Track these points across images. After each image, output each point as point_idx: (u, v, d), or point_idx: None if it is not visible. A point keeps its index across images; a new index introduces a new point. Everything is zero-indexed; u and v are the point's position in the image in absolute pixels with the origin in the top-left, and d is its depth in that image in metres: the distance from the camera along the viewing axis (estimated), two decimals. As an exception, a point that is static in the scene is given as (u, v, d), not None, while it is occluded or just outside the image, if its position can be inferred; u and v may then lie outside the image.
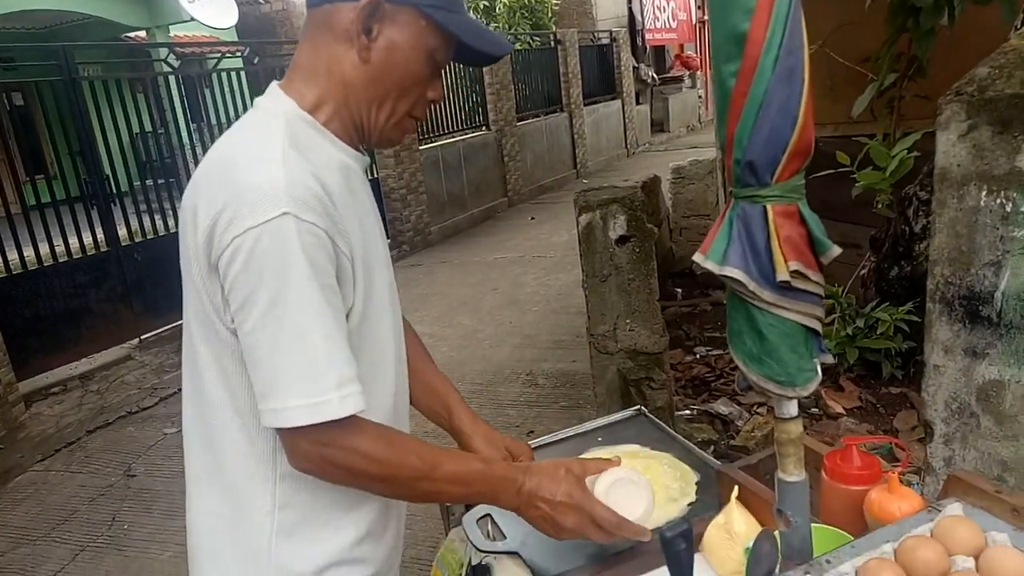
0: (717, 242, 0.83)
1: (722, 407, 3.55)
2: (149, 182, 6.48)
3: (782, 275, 0.78)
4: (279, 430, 0.92)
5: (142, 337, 6.00)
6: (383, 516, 1.10)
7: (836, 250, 0.79)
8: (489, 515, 1.43)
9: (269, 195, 0.87)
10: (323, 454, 0.91)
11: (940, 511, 0.92)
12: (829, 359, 0.87)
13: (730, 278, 0.81)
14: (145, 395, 5.07)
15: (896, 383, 3.52)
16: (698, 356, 4.25)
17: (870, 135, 3.38)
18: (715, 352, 4.25)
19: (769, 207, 0.79)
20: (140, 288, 6.00)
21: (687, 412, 3.57)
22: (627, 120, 15.02)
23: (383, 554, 1.12)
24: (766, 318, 0.81)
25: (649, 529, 1.10)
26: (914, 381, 3.47)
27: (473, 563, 1.36)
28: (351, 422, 0.91)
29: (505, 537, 1.35)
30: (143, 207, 6.14)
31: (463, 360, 5.11)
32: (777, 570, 0.87)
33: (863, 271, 3.85)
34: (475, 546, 1.34)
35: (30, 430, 4.69)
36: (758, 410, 3.52)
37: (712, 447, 3.19)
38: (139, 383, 5.33)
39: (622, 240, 2.94)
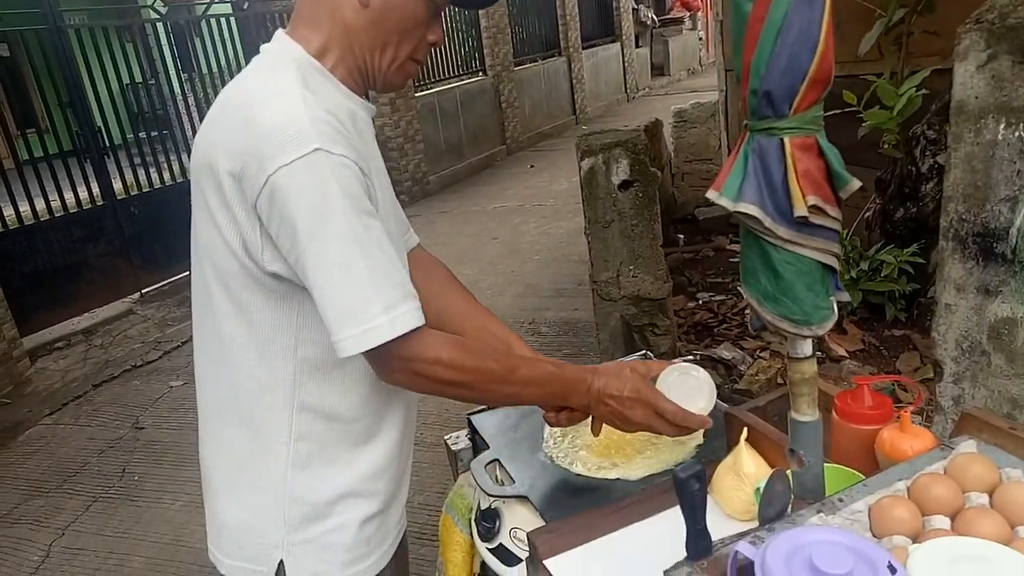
0: (732, 177, 0.80)
1: (725, 352, 3.56)
2: (142, 134, 6.38)
3: (800, 210, 0.76)
4: (367, 356, 0.96)
5: (143, 291, 6.00)
6: (393, 452, 1.14)
7: (856, 183, 0.77)
8: (497, 460, 1.43)
9: (296, 133, 0.88)
10: (408, 368, 0.96)
11: (953, 449, 0.92)
12: (845, 297, 0.85)
13: (745, 214, 0.79)
14: (149, 349, 5.09)
15: (899, 325, 3.52)
16: (700, 302, 4.24)
17: (877, 74, 3.30)
18: (718, 298, 4.24)
19: (786, 140, 0.76)
20: (138, 242, 5.96)
21: (690, 358, 3.58)
22: (626, 64, 14.71)
23: (391, 489, 1.15)
24: (782, 255, 0.79)
25: (710, 419, 1.18)
26: (917, 323, 3.47)
27: (482, 507, 1.37)
28: (422, 335, 0.95)
29: (514, 481, 1.36)
30: (137, 160, 6.06)
31: (465, 310, 5.10)
32: (789, 509, 0.87)
33: (868, 213, 3.82)
34: (484, 491, 1.34)
35: (36, 385, 4.72)
36: (761, 354, 3.53)
37: (717, 391, 3.21)
38: (142, 337, 5.34)
39: (625, 185, 2.90)
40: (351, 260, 0.90)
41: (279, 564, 1.06)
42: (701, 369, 1.24)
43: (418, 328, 0.94)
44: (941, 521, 0.81)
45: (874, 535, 0.83)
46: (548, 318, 4.75)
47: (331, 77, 1.01)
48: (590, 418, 1.23)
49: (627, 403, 1.12)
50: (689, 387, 1.19)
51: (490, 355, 1.05)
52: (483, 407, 1.58)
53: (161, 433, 3.88)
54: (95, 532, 3.14)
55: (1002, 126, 1.17)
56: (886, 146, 3.26)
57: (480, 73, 10.45)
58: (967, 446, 0.91)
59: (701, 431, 1.41)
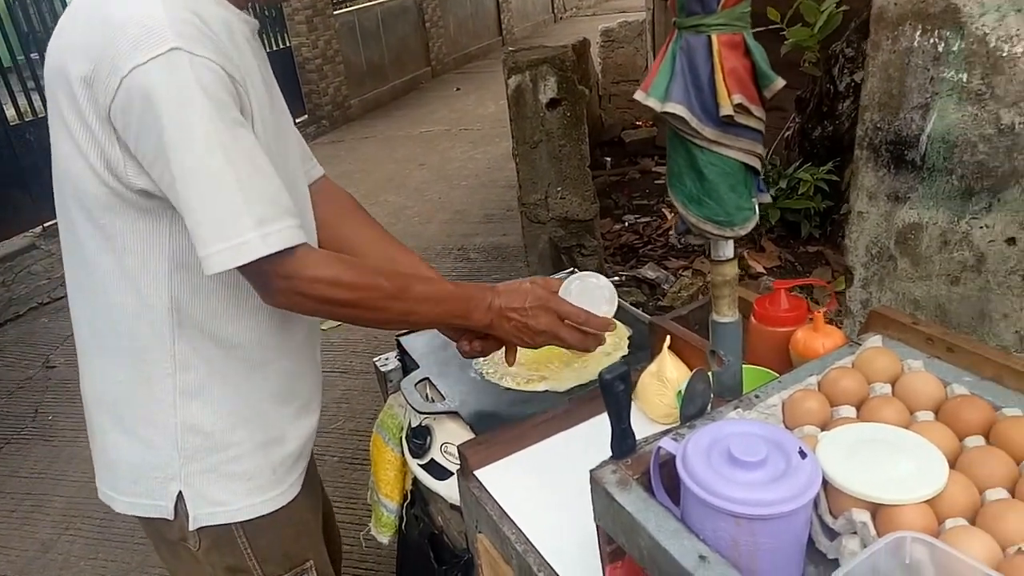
0: (659, 77, 0.78)
1: (649, 272, 3.64)
2: (35, 55, 5.85)
3: (725, 109, 0.75)
4: (245, 273, 0.90)
5: (45, 225, 5.63)
6: (291, 378, 1.10)
7: (780, 82, 0.77)
8: (427, 379, 1.43)
9: (151, 30, 0.80)
10: (290, 287, 0.90)
11: (861, 344, 0.96)
12: (767, 198, 0.86)
13: (672, 114, 0.78)
14: (56, 285, 4.82)
15: (814, 242, 3.67)
16: (627, 224, 4.30)
17: (801, -9, 3.32)
18: (643, 220, 4.31)
19: (714, 37, 0.75)
20: (37, 172, 5.53)
21: (616, 278, 3.65)
22: (553, -17, 14.35)
23: (292, 415, 1.11)
24: (707, 157, 0.79)
25: (614, 320, 1.17)
26: (830, 240, 3.62)
27: (413, 425, 1.38)
28: (303, 253, 0.90)
29: (444, 398, 1.37)
30: (31, 84, 5.58)
31: (392, 237, 5.02)
32: (710, 407, 0.90)
33: (788, 132, 3.90)
34: (415, 408, 1.35)
35: (-67, 325, 4.43)
36: (683, 273, 3.63)
37: (640, 309, 3.29)
38: (48, 273, 5.04)
39: (553, 103, 2.85)
40: (218, 169, 0.84)
41: (178, 496, 1.02)
42: (601, 276, 1.24)
43: (297, 246, 0.89)
44: (848, 411, 0.86)
45: (787, 426, 0.87)
46: (477, 244, 4.73)
47: None
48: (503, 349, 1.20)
49: (530, 313, 1.08)
50: (591, 293, 1.19)
51: (381, 273, 0.99)
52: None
53: (73, 371, 3.66)
54: (9, 474, 3.02)
55: (918, 33, 1.19)
56: (807, 64, 3.31)
57: (402, -10, 9.99)
58: (873, 341, 0.96)
59: (625, 342, 1.44)
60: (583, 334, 1.12)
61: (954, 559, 0.63)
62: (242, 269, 0.87)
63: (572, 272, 1.78)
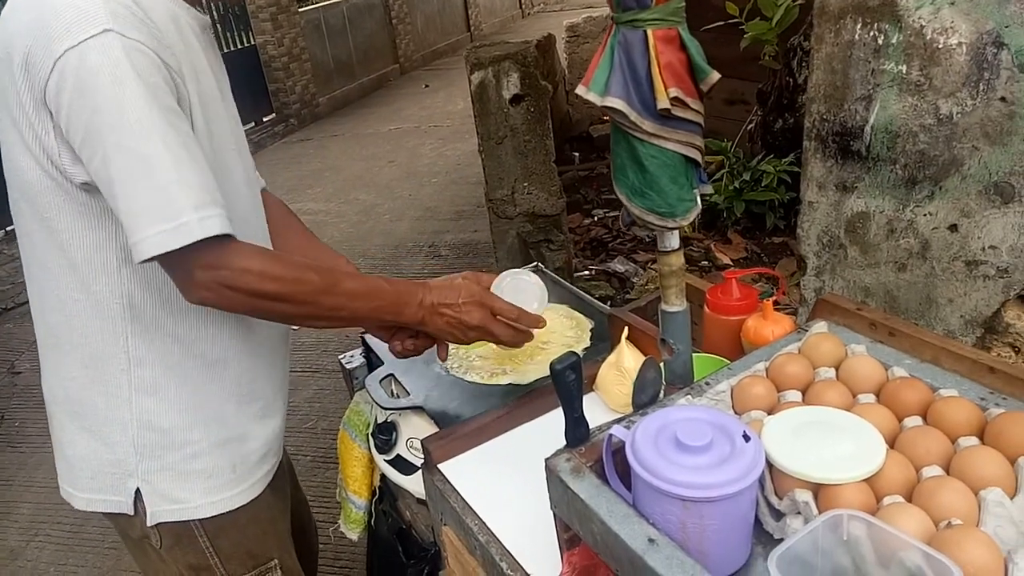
0: (599, 72, 0.80)
1: (618, 265, 3.68)
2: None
3: (662, 102, 0.77)
4: (167, 265, 0.88)
5: (7, 229, 5.52)
6: (249, 376, 1.09)
7: (715, 75, 0.79)
8: (392, 375, 1.44)
9: (86, 12, 0.80)
10: (216, 278, 0.87)
11: (807, 331, 0.99)
12: (708, 189, 0.88)
13: (612, 109, 0.80)
14: (20, 290, 4.72)
15: (779, 233, 3.73)
16: (596, 218, 4.33)
17: (759, -15, 3.36)
18: (612, 214, 4.34)
19: (650, 32, 0.76)
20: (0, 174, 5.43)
21: (586, 272, 3.68)
22: (521, -22, 14.34)
23: (253, 414, 1.10)
24: (647, 149, 0.81)
25: (544, 317, 1.18)
26: (795, 230, 3.68)
27: (379, 421, 1.38)
28: (232, 243, 0.88)
29: (409, 393, 1.38)
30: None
31: (363, 236, 5.00)
32: (662, 395, 0.92)
33: (750, 126, 3.96)
34: (379, 405, 1.35)
35: None
36: (652, 266, 3.67)
37: (609, 302, 3.32)
38: (11, 278, 4.94)
39: (516, 99, 2.86)
40: (153, 152, 0.82)
41: (136, 493, 1.02)
42: (532, 274, 1.26)
43: (227, 236, 0.87)
44: (794, 395, 0.88)
45: (736, 412, 0.89)
46: (448, 240, 4.73)
47: None
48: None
49: (463, 308, 1.07)
50: (522, 291, 1.21)
51: (310, 268, 0.97)
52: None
53: (39, 377, 3.64)
54: (-25, 483, 2.97)
55: (859, 26, 1.22)
56: (766, 58, 3.36)
57: (368, -14, 9.92)
58: (819, 327, 0.99)
59: (587, 334, 1.46)
60: (514, 330, 1.12)
61: (889, 534, 0.66)
62: (168, 258, 0.84)
63: (537, 266, 1.79)
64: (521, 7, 14.43)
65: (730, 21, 3.28)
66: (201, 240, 0.83)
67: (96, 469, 1.03)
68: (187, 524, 1.05)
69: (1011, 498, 0.70)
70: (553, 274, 1.76)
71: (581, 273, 3.63)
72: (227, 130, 1.03)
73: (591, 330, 1.48)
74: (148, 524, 1.03)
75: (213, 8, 7.47)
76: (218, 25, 7.58)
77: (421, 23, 11.04)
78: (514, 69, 2.82)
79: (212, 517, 1.05)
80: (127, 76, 0.80)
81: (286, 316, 0.99)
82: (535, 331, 1.18)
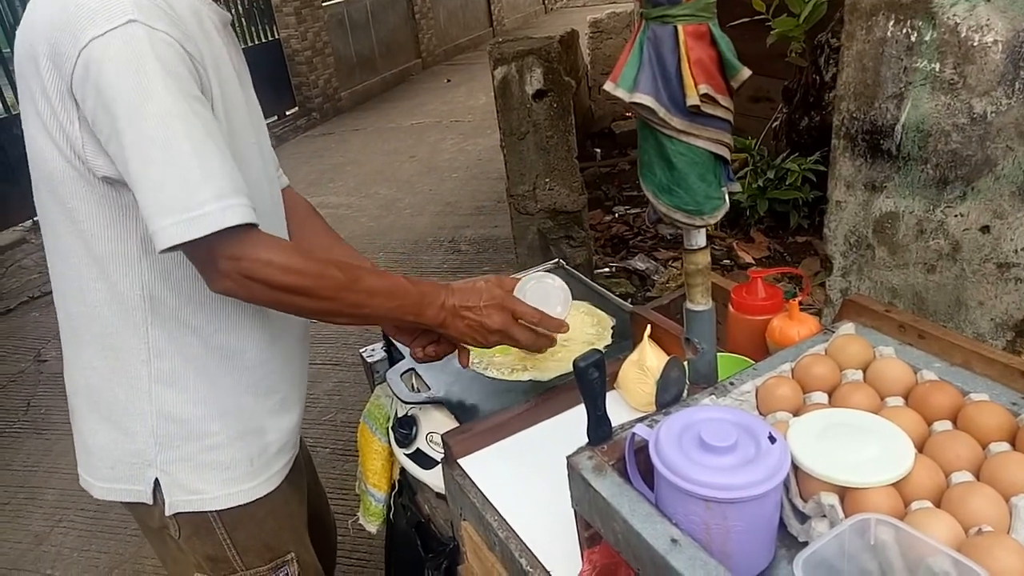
0: (628, 68, 0.79)
1: (639, 263, 3.66)
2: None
3: (692, 99, 0.76)
4: (191, 254, 0.89)
5: (35, 219, 5.60)
6: (266, 369, 1.09)
7: (746, 72, 0.78)
8: (413, 369, 1.44)
9: (110, 3, 0.81)
10: (238, 268, 0.87)
11: (834, 332, 0.98)
12: (736, 187, 0.87)
13: (640, 105, 0.79)
14: (46, 279, 4.78)
15: (802, 232, 3.69)
16: (617, 215, 4.31)
17: (787, -20, 3.32)
18: (633, 211, 4.32)
19: (680, 28, 0.76)
20: (25, 165, 5.43)
21: (606, 269, 3.66)
22: (544, -26, 14.30)
23: (270, 407, 1.11)
24: (676, 146, 0.80)
25: (567, 322, 1.17)
26: (819, 230, 3.63)
27: (399, 415, 1.39)
28: (256, 234, 0.88)
29: (429, 388, 1.38)
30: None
31: (383, 230, 5.03)
32: (685, 394, 0.92)
33: (775, 123, 3.91)
34: (400, 398, 1.36)
35: (-77, 322, 4.42)
36: (673, 264, 3.65)
37: (630, 299, 3.31)
38: (38, 267, 5.03)
39: (539, 95, 2.85)
40: (175, 139, 0.82)
41: (155, 483, 1.03)
42: (557, 277, 1.24)
43: (251, 225, 0.87)
44: (820, 396, 0.87)
45: (761, 412, 0.88)
46: (468, 236, 4.73)
47: None
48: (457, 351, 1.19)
49: (485, 312, 1.07)
50: (546, 294, 1.19)
51: (333, 263, 0.97)
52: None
53: (66, 365, 3.71)
54: (2, 467, 3.03)
55: (891, 23, 1.20)
56: (793, 55, 3.32)
57: (391, -19, 9.95)
58: (846, 329, 0.97)
59: (608, 332, 1.46)
60: (536, 334, 1.12)
61: (917, 540, 0.65)
62: (191, 246, 0.84)
63: (558, 263, 1.79)
64: (544, 3, 14.39)
65: (756, 17, 3.25)
66: (224, 229, 0.84)
67: (116, 459, 1.04)
68: (205, 515, 1.06)
69: (1044, 506, 0.69)
70: (574, 271, 1.76)
71: (601, 270, 3.62)
72: (247, 124, 1.03)
73: (612, 328, 1.47)
74: (167, 514, 1.04)
75: (237, 2, 7.53)
76: (242, 19, 7.64)
77: (444, 18, 11.04)
78: (537, 64, 2.81)
79: (229, 509, 1.06)
80: (151, 66, 0.81)
81: (307, 310, 0.98)
82: (546, 350, 1.17)
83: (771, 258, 3.58)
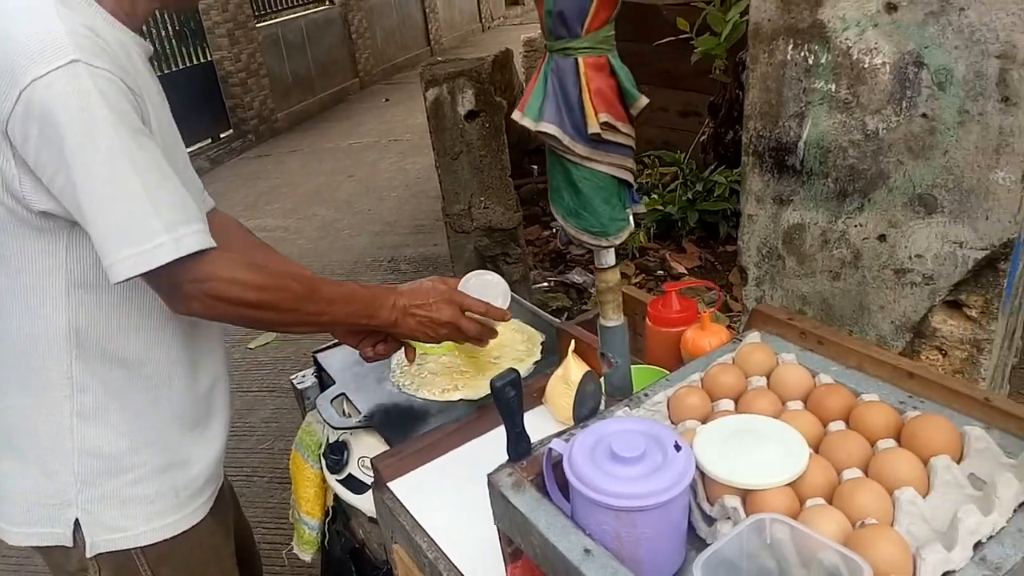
0: (534, 98, 0.82)
1: (576, 276, 3.72)
2: None
3: (593, 128, 0.80)
4: (153, 282, 0.90)
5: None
6: (193, 398, 1.09)
7: (644, 100, 0.82)
8: (343, 394, 1.44)
9: (51, 45, 0.82)
10: (202, 290, 0.89)
11: (742, 341, 1.03)
12: (640, 208, 0.91)
13: (546, 134, 0.82)
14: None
15: (731, 242, 3.81)
16: (554, 231, 4.37)
17: (708, 1, 3.45)
18: (571, 225, 4.38)
19: (581, 59, 0.79)
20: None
21: (544, 284, 3.71)
22: (480, -8, 14.45)
23: (196, 437, 1.11)
24: (580, 172, 0.84)
25: (509, 311, 1.25)
26: (745, 239, 3.76)
27: (331, 441, 1.39)
28: (215, 254, 0.90)
29: (359, 412, 1.38)
30: None
31: (322, 251, 4.98)
32: (602, 407, 0.95)
33: (703, 137, 4.04)
34: (330, 424, 1.35)
35: None
36: (610, 277, 3.72)
37: (566, 313, 3.36)
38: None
39: (471, 115, 2.89)
40: (124, 176, 0.84)
41: (75, 523, 1.00)
42: (495, 273, 1.33)
43: (208, 249, 0.89)
44: (727, 404, 0.91)
45: (672, 422, 0.92)
46: (407, 255, 4.73)
47: (95, 5, 0.93)
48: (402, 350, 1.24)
49: (434, 307, 1.13)
50: (486, 289, 1.27)
51: (290, 276, 1.01)
52: (329, 343, 1.57)
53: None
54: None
55: (791, 47, 1.27)
56: (717, 72, 3.45)
57: (326, 1, 9.89)
58: (752, 338, 1.02)
59: (538, 347, 1.49)
60: (481, 325, 1.18)
61: (808, 536, 0.69)
62: (151, 275, 0.86)
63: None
64: (481, 21, 14.54)
65: (682, 36, 3.37)
66: (183, 256, 0.86)
67: (33, 501, 1.01)
68: (128, 553, 1.03)
69: (924, 497, 0.74)
70: (506, 289, 1.78)
71: (540, 285, 3.67)
72: (178, 152, 1.05)
73: (542, 343, 1.50)
74: (88, 555, 1.02)
75: (168, 24, 7.38)
76: (173, 40, 7.48)
77: (381, 38, 11.04)
78: (469, 86, 2.84)
79: (154, 544, 1.04)
80: (96, 103, 0.82)
81: (270, 323, 1.01)
82: (489, 343, 1.23)
83: (703, 267, 3.69)
